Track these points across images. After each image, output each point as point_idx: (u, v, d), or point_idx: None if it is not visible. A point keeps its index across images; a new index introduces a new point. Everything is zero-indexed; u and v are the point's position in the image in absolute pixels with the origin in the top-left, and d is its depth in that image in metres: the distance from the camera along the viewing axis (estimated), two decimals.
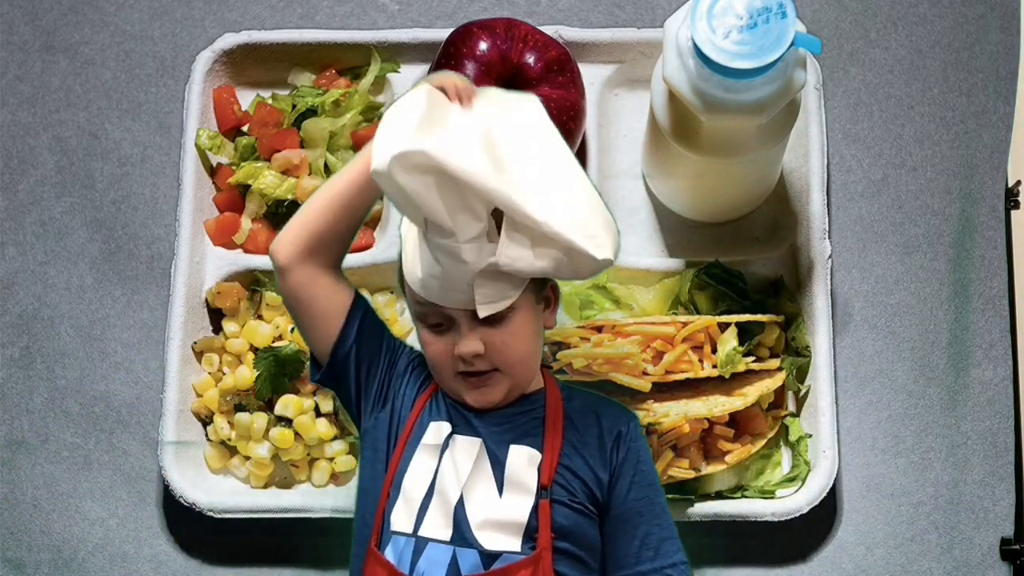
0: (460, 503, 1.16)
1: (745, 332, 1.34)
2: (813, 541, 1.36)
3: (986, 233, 1.44)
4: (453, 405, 1.20)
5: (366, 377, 1.22)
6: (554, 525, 1.15)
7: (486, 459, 1.17)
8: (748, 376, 1.34)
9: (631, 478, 1.18)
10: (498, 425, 1.18)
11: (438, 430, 1.19)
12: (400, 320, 1.41)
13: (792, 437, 1.35)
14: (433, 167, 1.08)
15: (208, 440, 1.39)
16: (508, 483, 1.16)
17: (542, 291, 1.19)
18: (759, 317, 1.34)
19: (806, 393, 1.36)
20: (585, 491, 1.17)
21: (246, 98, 1.47)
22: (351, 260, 1.41)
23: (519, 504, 1.16)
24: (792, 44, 1.18)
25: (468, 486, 1.17)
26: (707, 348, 1.32)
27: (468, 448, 1.18)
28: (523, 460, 1.17)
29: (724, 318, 1.33)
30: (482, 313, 1.14)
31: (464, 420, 1.19)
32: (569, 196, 1.14)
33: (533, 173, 1.13)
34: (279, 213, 1.42)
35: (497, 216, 1.13)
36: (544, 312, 1.20)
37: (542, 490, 1.16)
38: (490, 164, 1.11)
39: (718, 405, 1.30)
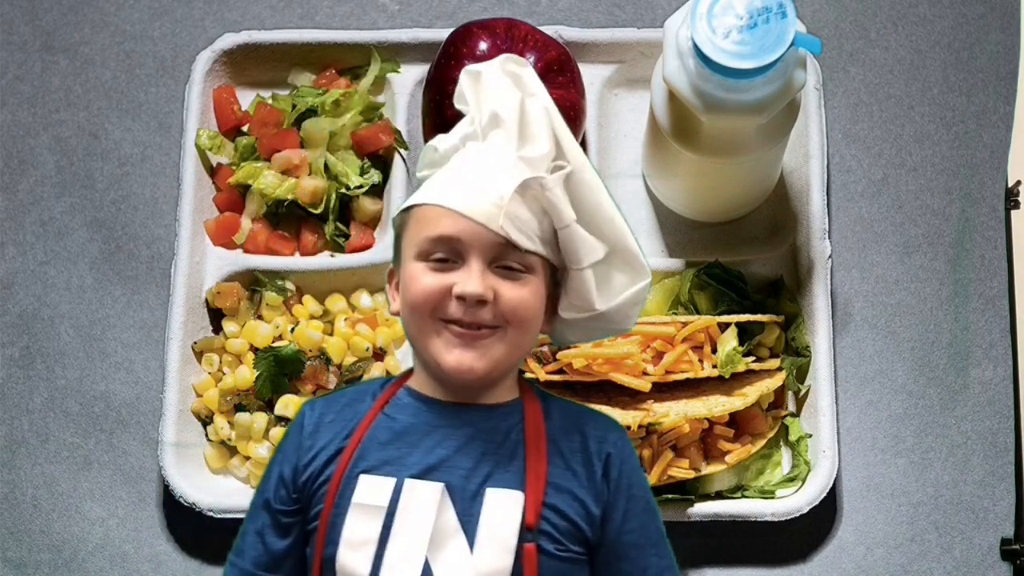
0: (426, 571, 1.01)
1: (745, 332, 1.34)
2: (813, 541, 1.36)
3: (986, 233, 1.44)
4: (406, 428, 1.05)
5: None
6: None
7: (450, 507, 1.02)
8: (748, 376, 1.34)
9: (626, 506, 1.07)
10: (468, 456, 1.03)
11: (375, 484, 1.03)
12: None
13: (792, 437, 1.35)
14: (531, 84, 1.08)
15: (208, 440, 1.39)
16: (482, 536, 1.01)
17: (554, 281, 1.09)
18: (759, 317, 1.34)
19: (806, 393, 1.36)
20: (575, 534, 1.04)
21: (246, 98, 1.47)
22: (350, 260, 1.41)
23: (499, 561, 1.01)
24: (792, 44, 1.19)
25: (433, 546, 1.01)
26: (707, 348, 1.32)
27: (425, 495, 1.02)
28: (503, 506, 1.02)
29: (724, 318, 1.33)
30: (503, 225, 1.02)
31: (421, 451, 1.03)
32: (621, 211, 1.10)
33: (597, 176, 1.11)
34: (279, 213, 1.42)
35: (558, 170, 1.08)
36: (553, 303, 1.09)
37: (527, 532, 1.02)
38: (571, 134, 1.09)
39: (718, 405, 1.30)
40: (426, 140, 1.38)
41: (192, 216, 1.41)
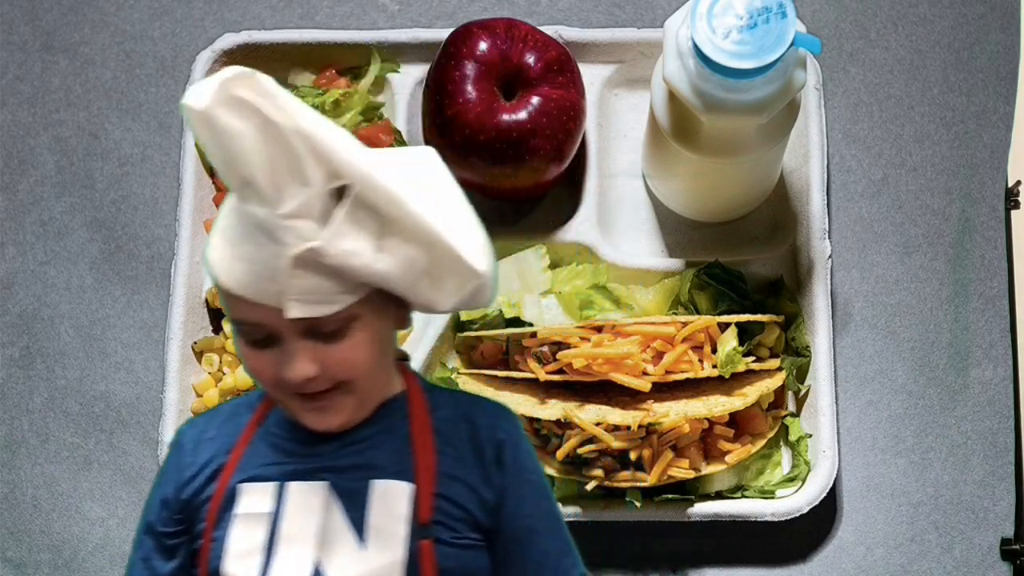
0: (317, 573, 0.97)
1: (745, 332, 1.34)
2: (813, 541, 1.36)
3: (986, 233, 1.44)
4: (285, 437, 1.01)
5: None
6: (439, 570, 0.98)
7: (337, 505, 0.98)
8: (748, 376, 1.34)
9: (519, 492, 1.03)
10: (352, 455, 1.00)
11: (256, 493, 1.00)
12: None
13: (792, 437, 1.35)
14: (267, 105, 0.90)
15: None
16: (371, 531, 0.98)
17: (391, 294, 0.98)
18: (759, 317, 1.34)
19: (806, 393, 1.36)
20: (469, 521, 1.01)
21: None
22: None
23: (390, 554, 0.97)
24: (792, 44, 1.19)
25: (322, 547, 0.97)
26: (707, 348, 1.32)
27: (310, 497, 0.98)
28: (391, 497, 0.98)
29: (724, 318, 1.33)
30: (291, 313, 0.92)
31: (302, 456, 1.00)
32: (445, 199, 0.96)
33: (402, 160, 0.95)
34: None
35: (340, 197, 0.93)
36: (397, 311, 1.00)
37: (422, 528, 0.98)
38: (340, 131, 0.92)
39: (718, 405, 1.30)
40: (426, 140, 1.38)
41: (192, 216, 1.41)
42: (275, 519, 0.98)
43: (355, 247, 0.92)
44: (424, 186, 0.95)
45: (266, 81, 0.91)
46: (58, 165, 1.49)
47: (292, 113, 0.90)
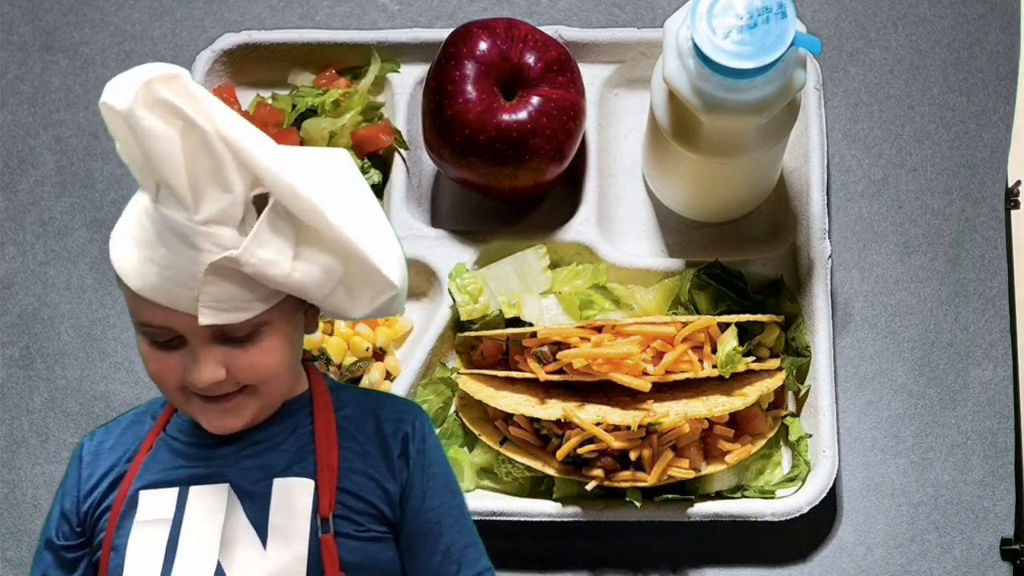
0: (219, 574, 0.96)
1: (745, 332, 1.34)
2: (813, 541, 1.36)
3: (986, 233, 1.44)
4: (187, 441, 1.01)
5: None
6: (342, 564, 0.97)
7: (239, 506, 0.97)
8: (748, 376, 1.34)
9: (425, 485, 1.03)
10: (253, 456, 0.99)
11: (157, 498, 0.98)
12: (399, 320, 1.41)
13: (792, 437, 1.35)
14: (191, 109, 0.87)
15: None
16: (273, 529, 0.97)
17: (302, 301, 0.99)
18: (759, 317, 1.34)
19: (806, 393, 1.36)
20: (374, 514, 1.01)
21: (246, 98, 1.47)
22: None
23: (293, 552, 0.96)
24: (792, 44, 1.19)
25: (225, 549, 0.96)
26: (707, 348, 1.32)
27: (212, 500, 0.97)
28: (292, 495, 0.98)
29: (724, 318, 1.33)
30: (204, 320, 0.91)
31: (204, 459, 0.99)
32: (362, 209, 0.96)
33: (317, 170, 0.94)
34: None
35: (259, 205, 0.92)
36: (305, 316, 1.01)
37: (323, 523, 0.98)
38: (263, 138, 0.90)
39: (718, 405, 1.30)
40: (426, 140, 1.38)
41: None
42: (177, 524, 0.97)
43: (273, 256, 0.91)
44: (341, 195, 0.96)
45: (190, 83, 0.89)
46: (58, 165, 1.49)
47: (217, 118, 0.88)
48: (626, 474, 1.29)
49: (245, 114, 1.46)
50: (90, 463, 1.04)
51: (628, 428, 1.27)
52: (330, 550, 0.97)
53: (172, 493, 0.99)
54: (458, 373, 1.37)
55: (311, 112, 1.44)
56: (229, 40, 1.47)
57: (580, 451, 1.28)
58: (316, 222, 0.92)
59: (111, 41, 1.52)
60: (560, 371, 1.31)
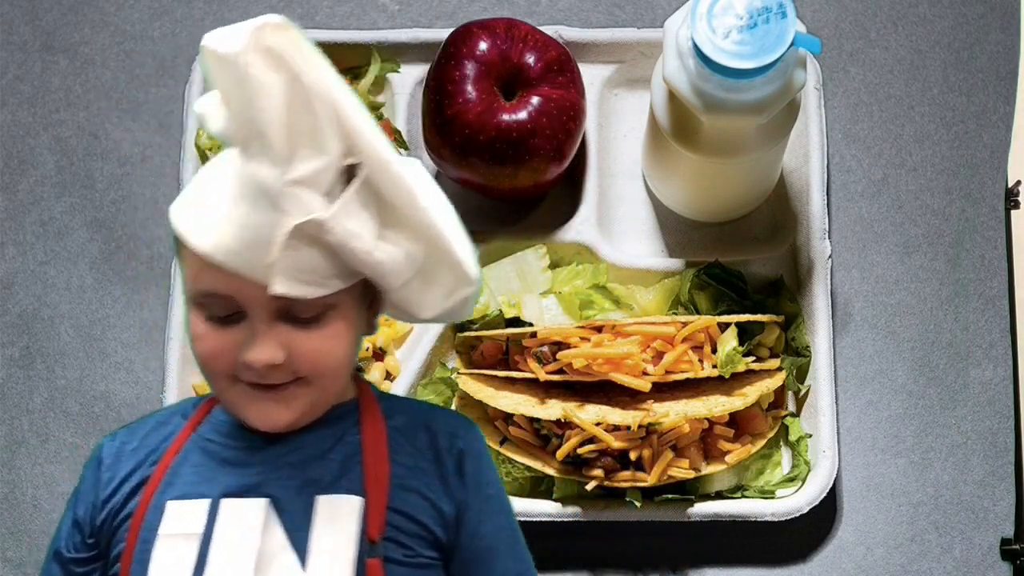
0: None
1: (745, 332, 1.34)
2: (813, 541, 1.36)
3: (986, 233, 1.44)
4: (222, 443, 0.92)
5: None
6: None
7: (276, 522, 0.89)
8: (748, 376, 1.34)
9: (480, 507, 0.95)
10: (296, 465, 0.91)
11: (186, 509, 0.90)
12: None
13: (792, 437, 1.35)
14: (299, 61, 0.82)
15: None
16: (315, 551, 0.88)
17: (370, 289, 0.93)
18: (759, 317, 1.34)
19: (806, 393, 1.36)
20: (426, 537, 0.93)
21: None
22: None
23: (335, 572, 0.88)
24: (792, 44, 1.19)
25: (259, 570, 0.87)
26: (707, 348, 1.32)
27: (247, 514, 0.89)
28: (338, 513, 0.89)
29: (724, 318, 1.33)
30: (276, 288, 0.84)
31: (240, 465, 0.91)
32: (440, 201, 0.91)
33: (408, 167, 0.89)
34: None
35: (346, 178, 0.87)
36: (369, 313, 0.95)
37: (371, 546, 0.89)
38: (363, 108, 0.86)
39: (718, 405, 1.30)
40: (426, 140, 1.38)
41: None
42: (207, 539, 0.89)
43: (359, 229, 0.86)
44: (422, 182, 0.91)
45: (300, 36, 0.84)
46: (58, 165, 1.49)
47: (322, 76, 0.84)
48: (626, 474, 1.29)
49: None
50: (110, 466, 0.95)
51: (628, 428, 1.27)
52: (376, 573, 0.88)
53: (203, 504, 0.90)
54: (458, 373, 1.37)
55: None
56: None
57: (580, 451, 1.28)
58: (405, 202, 0.87)
59: (111, 41, 1.52)
60: (560, 371, 1.31)
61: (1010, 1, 1.50)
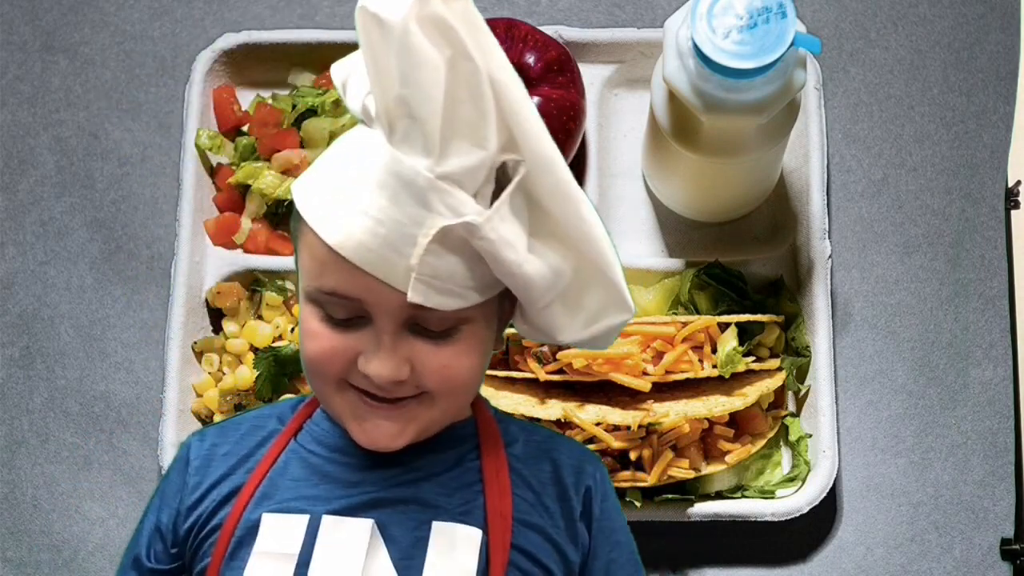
0: None
1: (745, 332, 1.34)
2: (813, 541, 1.36)
3: (986, 233, 1.44)
4: (326, 457, 0.82)
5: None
6: None
7: (382, 548, 0.78)
8: (748, 376, 1.34)
9: (609, 556, 0.87)
10: (409, 486, 0.80)
11: (283, 524, 0.80)
12: None
13: (792, 437, 1.35)
14: (469, 37, 0.72)
15: None
16: None
17: (503, 304, 0.84)
18: (759, 317, 1.34)
19: (806, 393, 1.36)
20: None
21: (246, 98, 1.47)
22: None
23: None
24: (792, 44, 1.18)
25: None
26: (707, 348, 1.32)
27: (350, 537, 0.78)
28: (455, 545, 0.79)
29: (724, 318, 1.33)
30: (412, 297, 0.74)
31: (346, 483, 0.81)
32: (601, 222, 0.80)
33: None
34: (279, 213, 1.42)
35: (501, 179, 0.77)
36: (497, 331, 0.85)
37: None
38: (535, 111, 0.74)
39: (718, 405, 1.30)
40: None
41: (192, 216, 1.41)
42: (304, 561, 0.79)
43: (512, 238, 0.75)
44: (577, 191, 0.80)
45: (472, 8, 0.74)
46: (58, 165, 1.49)
47: (493, 58, 0.72)
48: (626, 474, 1.29)
49: (245, 114, 1.46)
50: (199, 469, 0.86)
51: (628, 428, 1.27)
52: None
53: (302, 520, 0.80)
54: None
55: (311, 112, 1.44)
56: (229, 40, 1.47)
57: None
58: (564, 211, 0.76)
59: (111, 41, 1.52)
60: (560, 371, 1.31)
61: (1010, 1, 1.50)
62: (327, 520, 0.80)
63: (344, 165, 0.77)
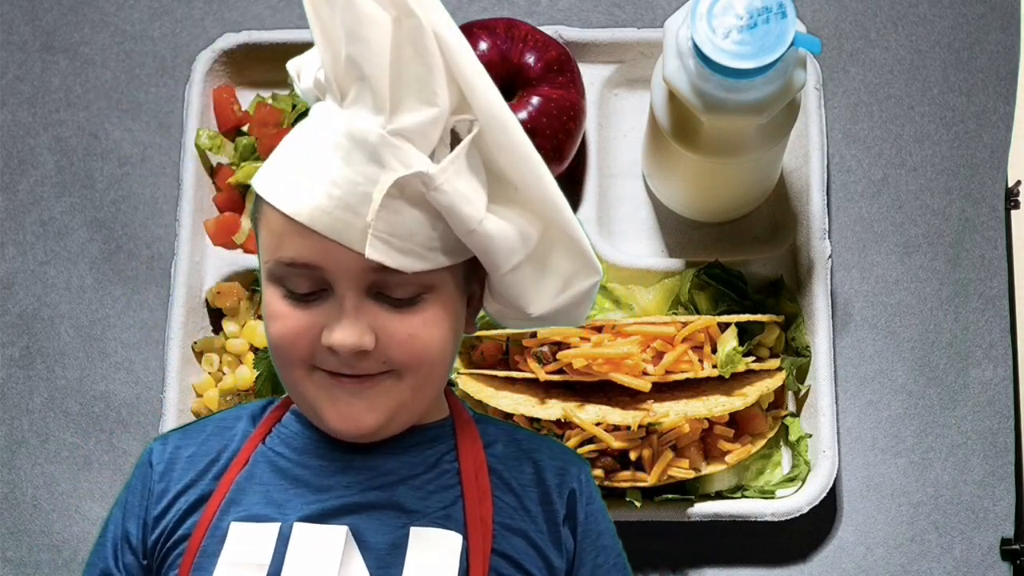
0: None
1: (745, 332, 1.34)
2: (813, 541, 1.36)
3: (986, 233, 1.44)
4: (295, 460, 0.78)
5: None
6: None
7: (357, 556, 0.74)
8: (748, 376, 1.34)
9: (595, 562, 0.84)
10: (384, 488, 0.77)
11: (252, 534, 0.75)
12: None
13: (792, 437, 1.35)
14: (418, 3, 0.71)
15: None
16: None
17: (470, 280, 0.81)
18: (759, 317, 1.34)
19: (806, 393, 1.36)
20: None
21: (246, 98, 1.47)
22: None
23: None
24: (792, 44, 1.18)
25: None
26: (707, 348, 1.32)
27: (323, 545, 0.74)
28: (435, 550, 0.74)
29: (724, 318, 1.33)
30: (371, 253, 0.71)
31: (317, 487, 0.76)
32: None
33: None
34: None
35: (454, 138, 0.76)
36: (467, 308, 0.82)
37: None
38: (485, 72, 0.74)
39: (718, 405, 1.30)
40: None
41: (192, 216, 1.41)
42: (275, 573, 0.76)
43: (469, 192, 0.73)
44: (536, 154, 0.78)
45: None
46: (58, 165, 1.49)
47: (437, 17, 0.73)
48: (626, 474, 1.29)
49: (245, 114, 1.46)
50: (164, 475, 0.82)
51: (628, 428, 1.27)
52: None
53: (272, 529, 0.76)
54: (458, 373, 1.37)
55: None
56: (229, 40, 1.47)
57: (580, 451, 1.28)
58: (521, 170, 0.75)
59: (111, 41, 1.52)
60: (560, 371, 1.31)
61: (1010, 1, 1.50)
62: (299, 528, 0.76)
63: (299, 141, 0.77)
